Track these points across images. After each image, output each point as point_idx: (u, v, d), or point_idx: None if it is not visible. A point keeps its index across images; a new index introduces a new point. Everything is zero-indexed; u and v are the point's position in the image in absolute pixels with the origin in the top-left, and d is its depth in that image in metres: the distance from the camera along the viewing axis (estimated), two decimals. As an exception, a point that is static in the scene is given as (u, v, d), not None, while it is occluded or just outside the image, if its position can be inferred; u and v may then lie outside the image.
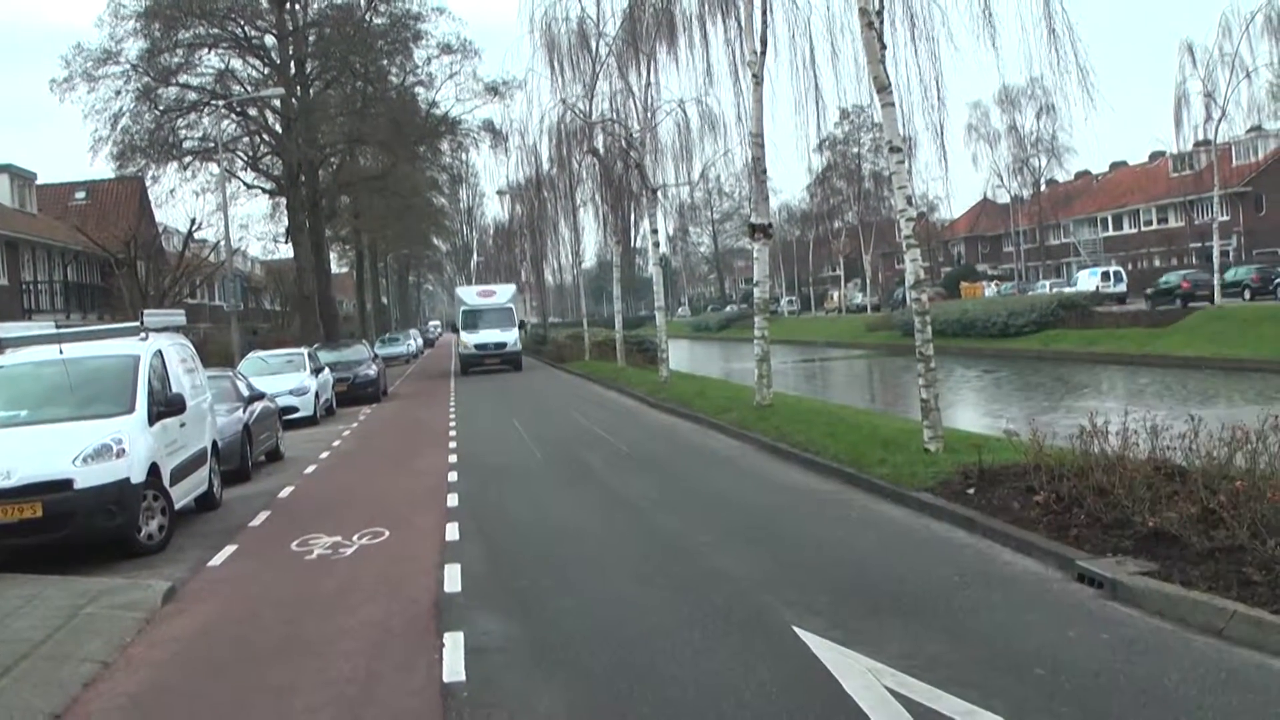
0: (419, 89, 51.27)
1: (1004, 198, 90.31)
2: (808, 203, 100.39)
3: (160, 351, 14.90)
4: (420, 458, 20.42)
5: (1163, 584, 8.05)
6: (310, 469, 20.07)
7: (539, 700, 7.01)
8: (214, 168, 44.13)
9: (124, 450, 12.57)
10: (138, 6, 42.49)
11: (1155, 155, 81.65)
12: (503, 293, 53.85)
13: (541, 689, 7.20)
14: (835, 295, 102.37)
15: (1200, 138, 52.33)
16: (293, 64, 47.11)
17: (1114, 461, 10.30)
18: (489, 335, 50.00)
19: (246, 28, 46.10)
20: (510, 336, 50.49)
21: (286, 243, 53.31)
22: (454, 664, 7.76)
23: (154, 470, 13.13)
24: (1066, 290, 60.51)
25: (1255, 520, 8.37)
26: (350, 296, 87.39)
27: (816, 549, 10.82)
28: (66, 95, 43.09)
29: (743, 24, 23.18)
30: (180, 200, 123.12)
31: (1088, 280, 63.07)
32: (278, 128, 47.66)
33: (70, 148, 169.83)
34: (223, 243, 43.34)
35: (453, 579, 10.35)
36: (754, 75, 22.40)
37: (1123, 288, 62.25)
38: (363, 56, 47.09)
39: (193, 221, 47.48)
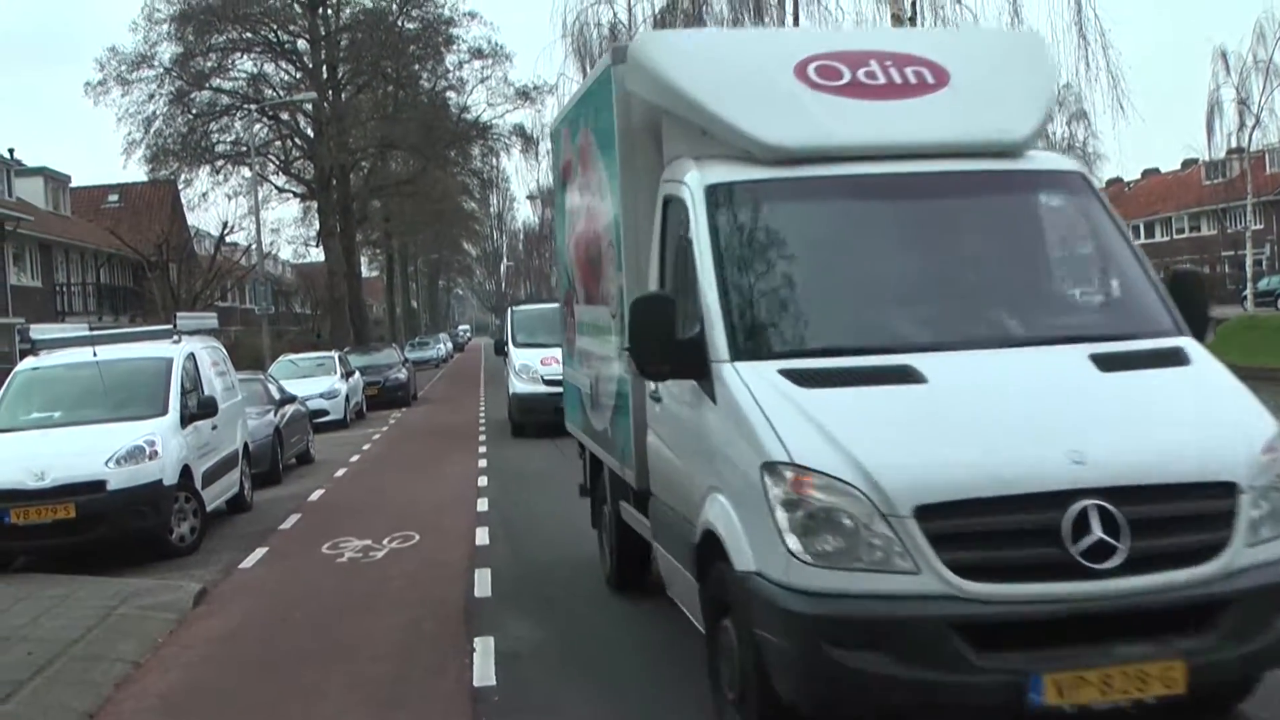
0: (450, 93, 51.39)
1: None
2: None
3: (193, 354, 14.97)
4: (450, 462, 20.43)
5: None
6: (340, 472, 20.13)
7: (569, 705, 7.00)
8: (246, 171, 44.41)
9: (156, 452, 12.66)
10: (171, 11, 42.83)
11: (1188, 163, 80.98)
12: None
13: (572, 694, 7.20)
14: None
15: (1233, 145, 52.08)
16: (325, 68, 47.30)
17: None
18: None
19: (279, 32, 46.29)
20: None
21: (317, 246, 53.62)
22: (484, 668, 7.75)
23: (186, 472, 13.21)
24: (1098, 298, 59.95)
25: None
26: (380, 300, 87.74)
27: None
28: (101, 99, 43.54)
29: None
30: (212, 203, 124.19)
31: (1119, 288, 62.43)
32: (309, 132, 47.85)
33: (104, 151, 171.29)
34: (254, 246, 43.57)
35: (483, 583, 10.37)
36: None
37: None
38: (394, 61, 47.25)
39: (224, 225, 47.81)
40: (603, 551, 9.96)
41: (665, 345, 5.83)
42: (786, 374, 5.42)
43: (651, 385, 6.72)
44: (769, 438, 5.12)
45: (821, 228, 6.36)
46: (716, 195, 6.19)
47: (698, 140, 6.60)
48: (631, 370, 6.70)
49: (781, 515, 4.97)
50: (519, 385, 23.43)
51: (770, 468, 5.05)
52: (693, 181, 6.33)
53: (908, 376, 5.36)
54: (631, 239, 7.40)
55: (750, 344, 5.72)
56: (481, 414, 30.65)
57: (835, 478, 4.88)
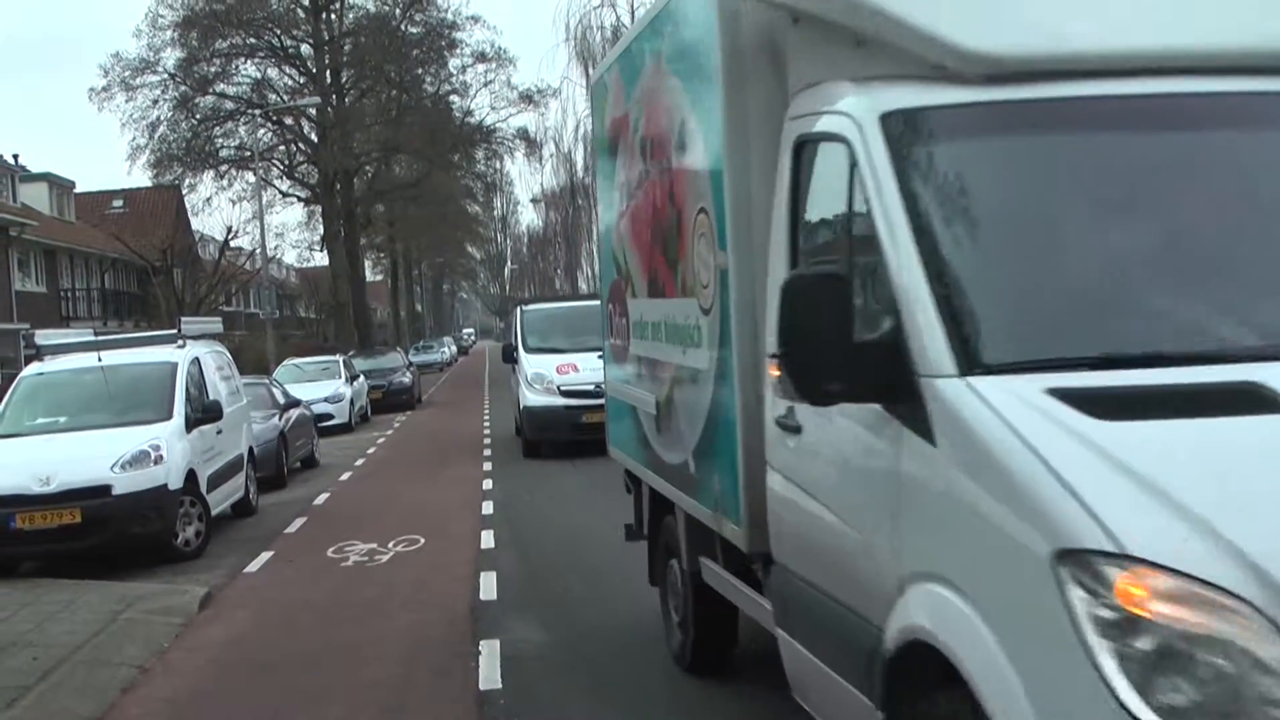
0: (453, 97, 51.45)
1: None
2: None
3: (197, 359, 14.98)
4: (455, 465, 20.41)
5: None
6: (345, 476, 20.12)
7: (574, 709, 7.00)
8: (250, 176, 44.45)
9: (161, 457, 12.68)
10: (175, 16, 42.93)
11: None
12: None
13: (577, 698, 7.19)
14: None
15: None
16: (328, 73, 47.38)
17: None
18: None
19: (283, 37, 46.40)
20: None
21: (321, 250, 53.63)
22: (490, 671, 7.74)
23: (191, 476, 13.22)
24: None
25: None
26: (385, 304, 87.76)
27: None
28: (105, 104, 43.74)
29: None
30: (216, 208, 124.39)
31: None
32: (313, 136, 47.91)
33: (108, 156, 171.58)
34: (258, 250, 43.61)
35: (488, 587, 10.35)
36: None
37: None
38: (397, 65, 47.31)
39: (229, 229, 47.82)
40: (668, 620, 7.58)
41: (844, 351, 3.71)
42: (1061, 396, 3.31)
43: (780, 408, 4.70)
44: (1065, 506, 2.99)
45: (1070, 173, 4.11)
46: (900, 127, 4.07)
47: (848, 56, 4.46)
48: (780, 389, 4.52)
49: (1103, 646, 2.82)
50: (531, 397, 19.69)
51: (1074, 560, 2.92)
52: (858, 109, 4.23)
53: (1266, 402, 3.25)
54: (741, 203, 5.20)
55: (989, 349, 3.59)
56: (486, 418, 30.65)
57: (1208, 583, 2.77)
